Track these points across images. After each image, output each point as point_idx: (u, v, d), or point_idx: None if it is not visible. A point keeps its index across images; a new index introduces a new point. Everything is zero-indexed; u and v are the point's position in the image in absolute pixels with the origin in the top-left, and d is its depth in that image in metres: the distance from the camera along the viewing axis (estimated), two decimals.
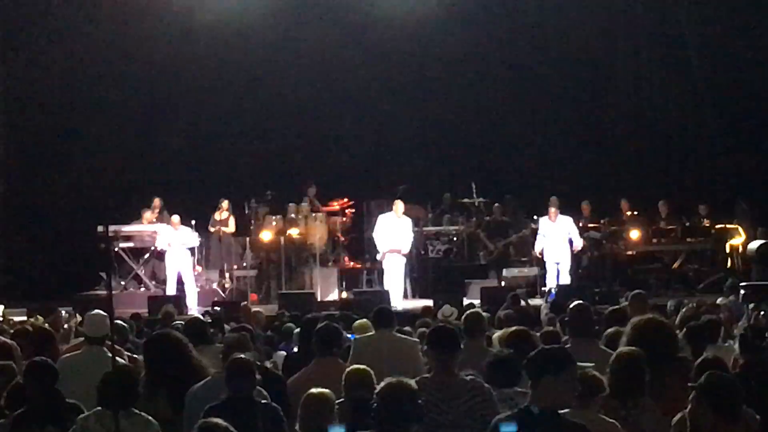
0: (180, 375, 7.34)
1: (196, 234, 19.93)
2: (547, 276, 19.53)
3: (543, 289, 19.30)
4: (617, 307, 9.95)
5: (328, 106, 23.44)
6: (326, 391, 6.33)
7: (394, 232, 18.97)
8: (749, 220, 20.49)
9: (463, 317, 9.30)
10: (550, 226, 19.39)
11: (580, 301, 8.79)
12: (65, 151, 22.13)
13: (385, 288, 18.80)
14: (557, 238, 19.40)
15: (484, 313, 12.84)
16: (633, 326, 7.35)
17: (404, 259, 19.28)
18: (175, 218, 19.52)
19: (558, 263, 19.36)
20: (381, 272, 19.69)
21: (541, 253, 19.75)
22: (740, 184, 21.80)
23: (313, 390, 6.32)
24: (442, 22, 22.95)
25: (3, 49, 21.76)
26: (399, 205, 19.05)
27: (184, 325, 10.12)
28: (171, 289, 19.28)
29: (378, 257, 19.32)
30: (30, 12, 21.82)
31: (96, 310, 8.75)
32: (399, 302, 18.36)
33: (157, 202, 20.54)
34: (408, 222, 19.26)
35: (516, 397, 6.99)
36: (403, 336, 9.49)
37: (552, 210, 19.45)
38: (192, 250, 19.82)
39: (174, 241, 19.35)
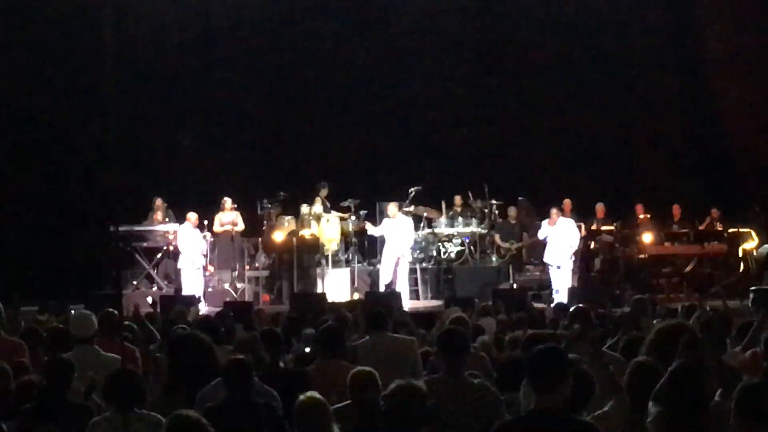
0: (203, 376, 7.33)
1: (207, 235, 20.03)
2: (552, 279, 19.47)
3: (552, 291, 19.29)
4: (627, 311, 9.90)
5: (340, 107, 23.47)
6: (316, 395, 6.26)
7: (392, 234, 19.52)
8: (762, 223, 20.43)
9: (447, 322, 9.27)
10: (549, 230, 19.35)
11: (580, 305, 8.74)
12: (79, 148, 22.17)
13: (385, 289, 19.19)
14: (557, 242, 19.29)
15: (501, 316, 12.95)
16: (657, 332, 7.21)
17: (404, 260, 19.61)
18: (193, 216, 19.53)
19: (559, 267, 19.28)
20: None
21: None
22: (753, 187, 21.73)
23: (302, 396, 6.23)
24: (456, 23, 22.94)
25: (13, 47, 21.79)
26: (390, 207, 19.67)
27: (197, 323, 10.07)
28: (187, 289, 19.30)
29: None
30: (38, 10, 21.84)
31: (81, 311, 8.74)
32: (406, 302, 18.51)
33: (158, 202, 20.46)
34: (406, 221, 19.67)
35: (516, 401, 7.00)
36: (398, 335, 9.48)
37: (553, 212, 19.38)
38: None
39: (193, 240, 19.36)
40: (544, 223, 19.43)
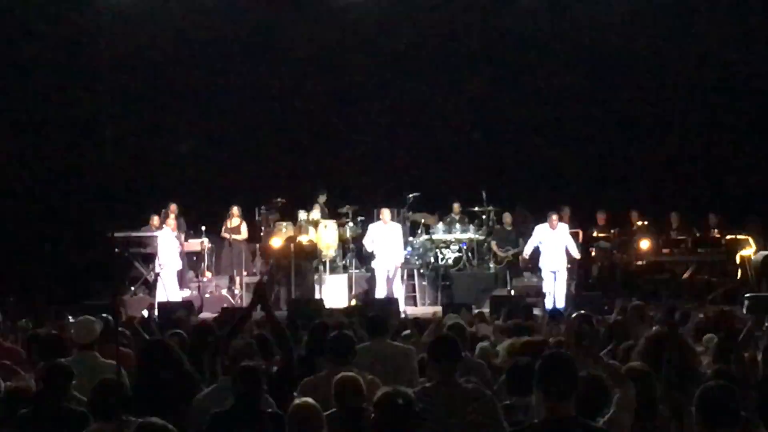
0: (170, 384, 7.22)
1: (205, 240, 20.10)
2: (544, 285, 19.30)
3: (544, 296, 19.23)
4: (618, 318, 9.92)
5: (339, 113, 23.47)
6: (311, 401, 6.25)
7: (383, 240, 19.52)
8: (760, 230, 20.42)
9: (445, 328, 9.26)
10: (549, 234, 19.23)
11: (582, 311, 8.73)
12: (76, 156, 22.16)
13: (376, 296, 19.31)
14: (555, 247, 19.15)
15: (497, 322, 12.94)
16: (646, 339, 7.21)
17: (394, 266, 19.68)
18: (171, 221, 19.75)
19: (555, 272, 19.14)
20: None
21: (528, 260, 19.70)
22: (751, 194, 21.72)
23: (297, 401, 6.23)
24: (453, 31, 22.96)
25: (12, 57, 21.79)
26: (386, 213, 19.65)
27: (193, 329, 10.04)
28: (168, 293, 19.32)
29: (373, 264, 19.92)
30: (40, 17, 21.85)
31: (84, 316, 8.71)
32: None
33: (173, 207, 20.50)
34: (398, 228, 19.76)
35: (523, 405, 6.99)
36: (397, 344, 9.46)
37: (554, 218, 19.27)
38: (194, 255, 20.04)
39: (171, 245, 19.38)
40: (543, 227, 19.29)
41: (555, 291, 18.89)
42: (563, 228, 19.31)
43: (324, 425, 6.10)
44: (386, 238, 19.58)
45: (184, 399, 7.21)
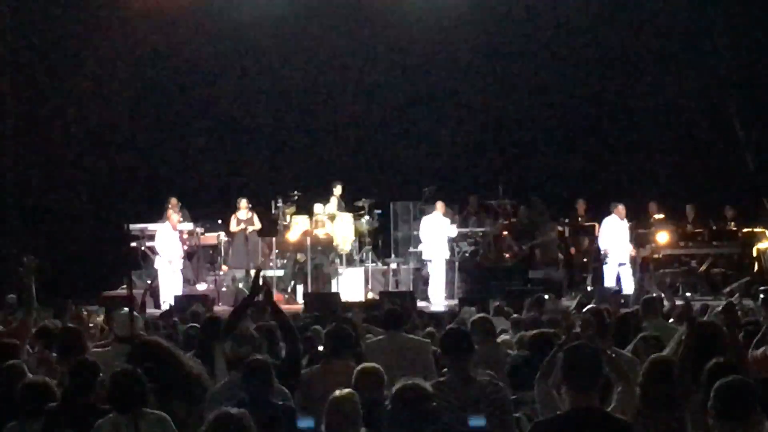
0: (169, 383, 7.06)
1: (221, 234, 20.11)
2: (623, 280, 19.33)
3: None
4: (628, 311, 9.94)
5: (355, 107, 23.48)
6: (351, 391, 6.17)
7: (444, 233, 19.82)
8: None
9: (471, 321, 9.28)
10: (619, 225, 19.30)
11: (592, 305, 8.75)
12: (93, 148, 22.24)
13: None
14: (624, 239, 19.32)
15: (514, 315, 12.95)
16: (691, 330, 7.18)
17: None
18: (174, 216, 19.47)
19: (623, 264, 19.31)
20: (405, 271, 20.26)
21: (599, 252, 19.69)
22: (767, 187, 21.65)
23: (338, 392, 6.22)
24: (469, 23, 22.92)
25: (27, 49, 21.85)
26: (443, 205, 19.88)
27: (203, 321, 10.04)
28: (164, 291, 19.05)
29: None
30: (56, 13, 21.90)
31: (125, 309, 8.71)
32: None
33: (173, 201, 20.31)
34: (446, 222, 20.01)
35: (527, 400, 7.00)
36: (413, 336, 9.47)
37: (620, 207, 19.33)
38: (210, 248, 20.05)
39: (171, 241, 19.32)
40: (613, 219, 19.33)
41: (621, 284, 18.95)
42: (625, 220, 19.43)
43: (361, 418, 6.05)
44: (444, 230, 19.79)
45: (186, 397, 7.11)
